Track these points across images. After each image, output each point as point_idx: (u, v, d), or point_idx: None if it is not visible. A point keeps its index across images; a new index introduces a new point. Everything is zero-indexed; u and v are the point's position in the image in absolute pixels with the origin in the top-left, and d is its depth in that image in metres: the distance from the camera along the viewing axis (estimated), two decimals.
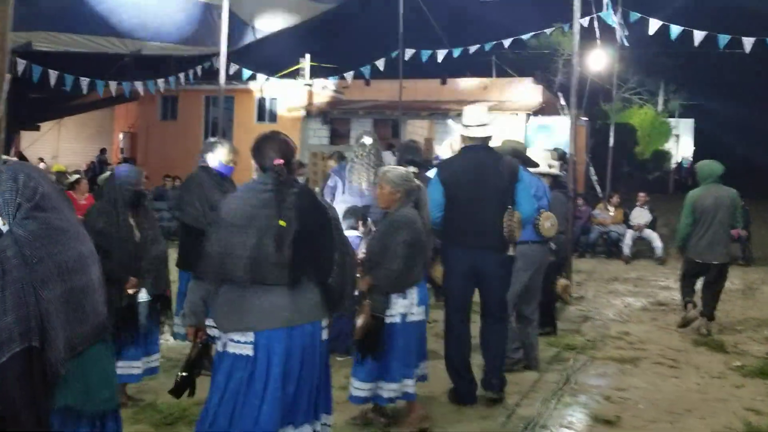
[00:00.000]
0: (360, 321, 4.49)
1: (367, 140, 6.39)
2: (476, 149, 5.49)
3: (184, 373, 3.54)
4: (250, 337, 3.30)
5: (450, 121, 5.26)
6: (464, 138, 5.55)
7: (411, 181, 4.74)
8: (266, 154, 3.50)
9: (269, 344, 3.30)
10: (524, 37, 15.22)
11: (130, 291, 4.81)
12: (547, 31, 14.57)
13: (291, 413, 3.34)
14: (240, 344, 3.32)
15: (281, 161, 3.44)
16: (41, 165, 19.61)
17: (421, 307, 4.79)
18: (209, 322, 3.49)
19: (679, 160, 34.12)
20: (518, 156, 6.05)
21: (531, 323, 6.31)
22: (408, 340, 4.67)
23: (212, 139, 6.31)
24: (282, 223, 3.30)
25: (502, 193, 5.31)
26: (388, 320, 4.57)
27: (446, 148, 12.04)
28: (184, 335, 5.70)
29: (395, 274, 4.52)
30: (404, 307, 4.65)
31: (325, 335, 3.49)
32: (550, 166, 7.28)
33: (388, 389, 4.66)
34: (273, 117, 24.44)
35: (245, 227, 3.30)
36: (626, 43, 14.59)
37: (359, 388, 4.65)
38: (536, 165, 6.48)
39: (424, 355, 4.97)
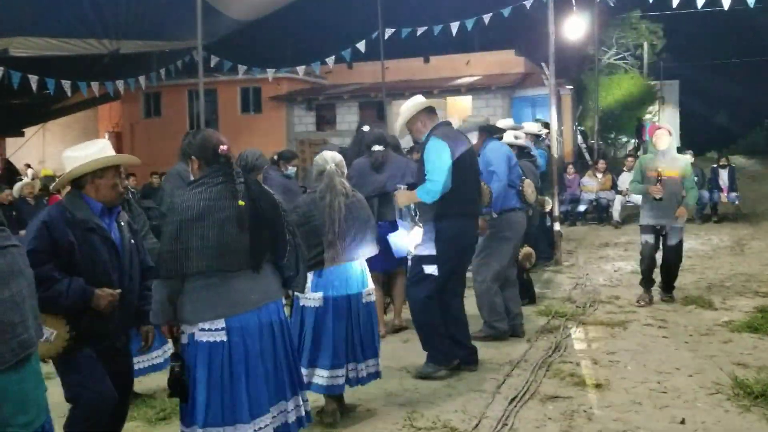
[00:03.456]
0: None
1: (366, 128, 7.08)
2: (449, 124, 5.56)
3: (178, 363, 3.36)
4: (220, 323, 3.32)
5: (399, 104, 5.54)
6: (431, 117, 5.46)
7: (321, 165, 4.62)
8: (208, 146, 3.49)
9: (242, 327, 3.34)
10: (504, 11, 15.17)
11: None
12: (526, 3, 14.48)
13: (280, 389, 3.45)
14: (211, 332, 3.32)
15: (226, 147, 3.47)
16: (29, 171, 19.57)
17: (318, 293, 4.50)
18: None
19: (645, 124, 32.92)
20: (486, 129, 6.40)
21: (515, 285, 6.57)
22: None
23: (190, 132, 6.17)
24: (241, 203, 3.34)
25: (477, 165, 5.60)
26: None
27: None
28: None
29: None
30: None
31: (286, 313, 3.61)
32: (516, 138, 7.42)
33: None
34: (258, 107, 24.33)
35: (202, 219, 3.29)
36: (611, 2, 14.60)
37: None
38: (502, 132, 6.83)
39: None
